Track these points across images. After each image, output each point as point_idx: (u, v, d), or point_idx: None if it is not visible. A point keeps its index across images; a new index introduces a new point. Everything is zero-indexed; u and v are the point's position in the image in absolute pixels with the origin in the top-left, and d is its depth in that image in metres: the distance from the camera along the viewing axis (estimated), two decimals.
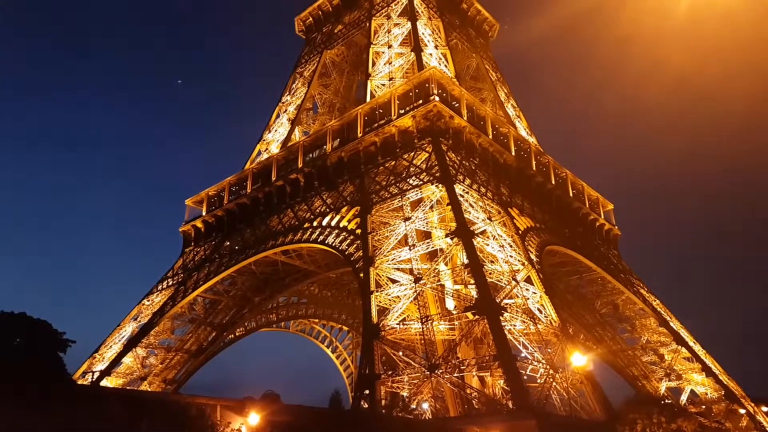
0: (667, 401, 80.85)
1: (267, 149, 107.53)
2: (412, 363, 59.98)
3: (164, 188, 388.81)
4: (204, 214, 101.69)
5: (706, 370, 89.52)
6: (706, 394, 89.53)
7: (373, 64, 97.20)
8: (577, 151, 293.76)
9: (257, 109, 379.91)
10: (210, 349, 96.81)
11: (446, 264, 68.05)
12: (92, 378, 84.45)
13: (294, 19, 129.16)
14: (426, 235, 72.44)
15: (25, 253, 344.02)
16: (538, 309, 65.80)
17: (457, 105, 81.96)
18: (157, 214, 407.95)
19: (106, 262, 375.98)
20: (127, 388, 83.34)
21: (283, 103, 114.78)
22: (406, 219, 70.95)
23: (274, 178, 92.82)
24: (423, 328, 61.27)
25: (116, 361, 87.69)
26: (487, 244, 67.85)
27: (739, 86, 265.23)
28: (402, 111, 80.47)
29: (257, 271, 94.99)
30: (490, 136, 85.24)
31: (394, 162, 79.13)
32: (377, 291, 66.46)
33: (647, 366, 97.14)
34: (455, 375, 58.78)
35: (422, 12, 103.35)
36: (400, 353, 61.40)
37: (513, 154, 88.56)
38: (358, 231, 73.84)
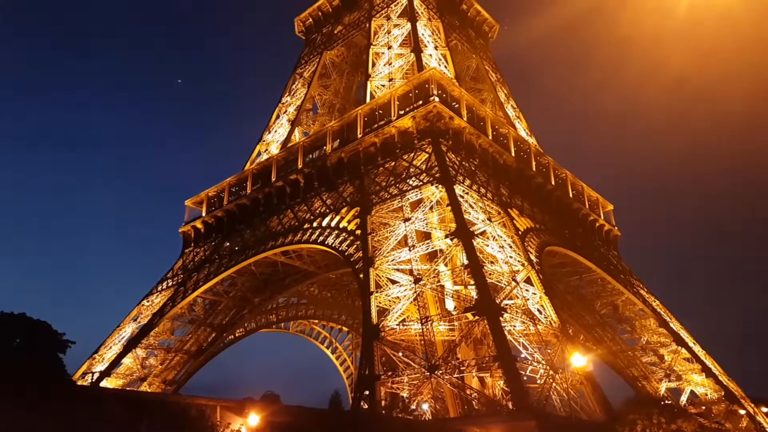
0: (666, 402, 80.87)
1: (267, 150, 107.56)
2: (412, 364, 59.97)
3: (164, 188, 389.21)
4: (204, 214, 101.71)
5: (706, 371, 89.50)
6: (706, 394, 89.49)
7: (373, 64, 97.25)
8: (577, 151, 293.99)
9: (257, 109, 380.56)
10: (210, 350, 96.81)
11: (446, 265, 68.04)
12: (92, 379, 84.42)
13: (294, 20, 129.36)
14: (426, 236, 72.44)
15: (25, 253, 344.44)
16: (538, 310, 65.80)
17: (456, 106, 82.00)
18: (157, 214, 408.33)
19: (106, 262, 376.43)
20: (127, 388, 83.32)
21: (283, 103, 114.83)
22: (406, 220, 70.96)
23: (273, 179, 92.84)
24: (423, 328, 61.26)
25: (116, 362, 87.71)
26: (487, 245, 67.86)
27: (739, 86, 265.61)
28: (402, 112, 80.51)
29: (257, 271, 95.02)
30: (490, 137, 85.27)
31: (393, 163, 79.16)
32: (377, 292, 66.46)
33: (647, 367, 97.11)
34: (455, 376, 58.76)
35: (422, 13, 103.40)
36: (400, 354, 61.38)
37: (513, 154, 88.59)
38: (358, 232, 73.85)
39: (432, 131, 77.10)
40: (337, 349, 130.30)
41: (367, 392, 60.33)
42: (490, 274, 64.11)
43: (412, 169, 76.09)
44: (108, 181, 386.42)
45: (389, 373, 62.06)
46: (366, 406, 60.26)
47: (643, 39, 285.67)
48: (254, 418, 39.12)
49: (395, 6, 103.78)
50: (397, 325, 63.98)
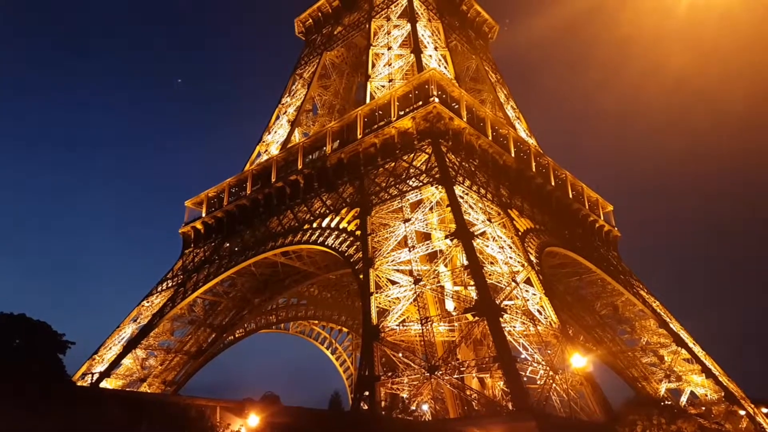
0: (666, 403, 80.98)
1: (266, 151, 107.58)
2: (412, 364, 59.95)
3: (164, 188, 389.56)
4: (204, 215, 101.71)
5: (706, 372, 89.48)
6: (706, 395, 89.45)
7: (373, 65, 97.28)
8: (577, 151, 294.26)
9: (257, 109, 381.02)
10: (209, 351, 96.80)
11: (446, 265, 68.02)
12: (92, 379, 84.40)
13: (294, 21, 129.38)
14: (426, 237, 72.43)
15: (25, 253, 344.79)
16: (538, 310, 65.78)
17: (456, 106, 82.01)
18: (157, 214, 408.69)
19: (106, 262, 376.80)
20: (127, 389, 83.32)
21: (283, 104, 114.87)
22: (406, 220, 70.95)
23: (273, 180, 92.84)
24: (423, 329, 61.25)
25: (116, 363, 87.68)
26: (487, 246, 67.85)
27: (739, 86, 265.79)
28: (402, 112, 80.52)
29: (257, 272, 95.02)
30: (490, 138, 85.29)
31: (393, 163, 79.16)
32: (377, 292, 66.45)
33: (647, 367, 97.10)
34: (455, 376, 58.73)
35: (422, 14, 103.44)
36: (400, 355, 61.36)
37: (513, 155, 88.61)
38: (358, 232, 73.85)
39: (432, 132, 77.11)
40: (336, 350, 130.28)
41: (366, 393, 60.31)
42: (490, 275, 64.11)
43: (411, 170, 76.09)
44: (108, 181, 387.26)
45: (389, 374, 62.03)
46: (366, 407, 60.26)
47: (643, 39, 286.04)
48: (254, 419, 39.09)
49: (395, 7, 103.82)
50: (397, 325, 63.96)
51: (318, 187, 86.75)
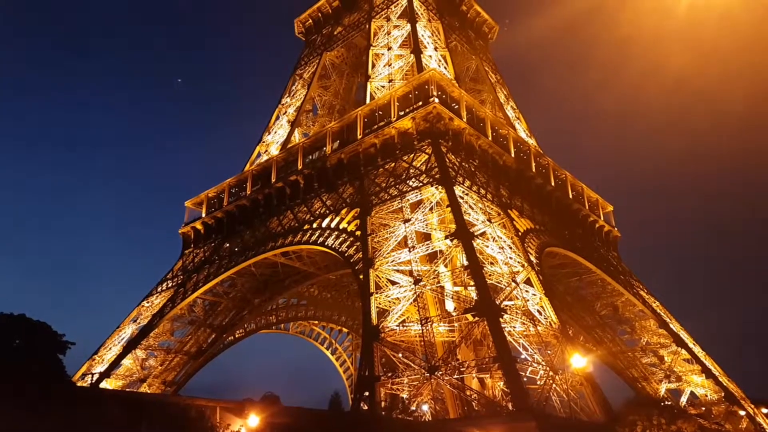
0: (666, 403, 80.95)
1: (266, 151, 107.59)
2: (412, 365, 59.94)
3: (164, 188, 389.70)
4: (204, 215, 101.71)
5: (706, 372, 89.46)
6: (706, 395, 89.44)
7: (373, 65, 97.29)
8: (577, 151, 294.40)
9: (257, 109, 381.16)
10: (209, 351, 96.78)
11: (446, 266, 68.03)
12: (92, 380, 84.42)
13: (294, 21, 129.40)
14: (426, 237, 72.42)
15: (25, 253, 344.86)
16: (538, 311, 65.78)
17: (456, 107, 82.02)
18: (157, 214, 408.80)
19: (106, 262, 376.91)
20: (127, 390, 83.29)
21: (283, 104, 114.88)
22: (406, 221, 70.95)
23: (273, 180, 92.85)
24: (423, 329, 61.24)
25: (116, 363, 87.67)
26: (487, 246, 67.86)
27: (739, 86, 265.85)
28: (402, 113, 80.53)
29: (257, 272, 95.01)
30: (490, 138, 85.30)
31: (393, 164, 79.16)
32: (377, 293, 66.44)
33: (647, 368, 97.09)
34: (455, 377, 58.72)
35: (422, 14, 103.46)
36: (400, 355, 61.35)
37: (513, 155, 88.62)
38: (358, 233, 73.85)
39: (432, 132, 77.12)
40: (336, 350, 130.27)
41: (366, 393, 60.30)
42: (490, 275, 64.11)
43: (411, 170, 76.09)
44: (108, 181, 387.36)
45: (389, 374, 62.03)
46: (366, 407, 60.24)
47: (643, 39, 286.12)
48: (254, 419, 39.09)
49: (395, 7, 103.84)
50: (396, 326, 63.95)
51: (318, 188, 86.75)
